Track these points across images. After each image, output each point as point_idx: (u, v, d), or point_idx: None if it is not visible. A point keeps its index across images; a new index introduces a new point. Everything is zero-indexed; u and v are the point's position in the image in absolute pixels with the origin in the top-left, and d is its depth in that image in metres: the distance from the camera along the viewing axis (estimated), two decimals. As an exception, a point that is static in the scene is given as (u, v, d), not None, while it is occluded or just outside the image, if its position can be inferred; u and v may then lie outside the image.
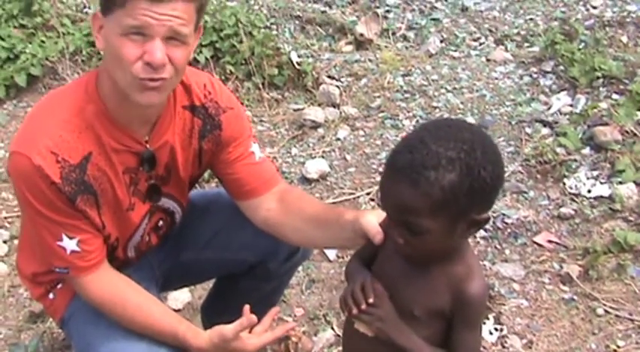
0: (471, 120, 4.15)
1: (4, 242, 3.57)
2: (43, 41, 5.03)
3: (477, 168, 1.61)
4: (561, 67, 4.49)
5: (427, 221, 1.63)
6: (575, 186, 3.62)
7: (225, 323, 2.16)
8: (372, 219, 2.02)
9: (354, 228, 2.06)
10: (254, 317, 2.13)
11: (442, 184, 1.59)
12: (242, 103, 4.35)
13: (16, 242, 3.54)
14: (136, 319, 2.17)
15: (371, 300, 1.79)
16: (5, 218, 3.72)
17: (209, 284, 2.93)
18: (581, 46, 4.64)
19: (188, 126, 2.20)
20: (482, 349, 2.66)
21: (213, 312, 2.79)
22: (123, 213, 2.19)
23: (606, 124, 3.88)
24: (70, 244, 2.07)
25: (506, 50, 4.92)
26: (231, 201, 2.41)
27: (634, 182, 3.59)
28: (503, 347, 3.01)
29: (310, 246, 2.60)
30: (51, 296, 2.34)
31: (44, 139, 1.97)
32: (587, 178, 3.65)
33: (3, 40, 5.04)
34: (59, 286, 2.32)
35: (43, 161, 1.96)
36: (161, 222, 2.34)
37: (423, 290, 1.80)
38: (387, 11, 5.35)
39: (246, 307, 2.13)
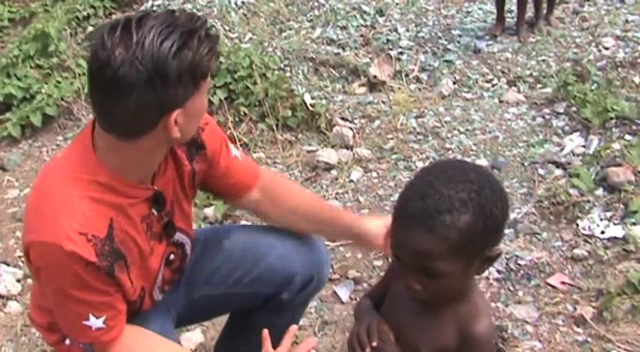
0: (483, 161, 4.15)
1: (18, 281, 3.57)
2: (58, 81, 5.10)
3: (489, 206, 1.63)
4: (574, 108, 4.49)
5: (445, 264, 1.64)
6: (589, 227, 3.61)
7: None
8: (378, 228, 2.31)
9: (352, 232, 2.30)
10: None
11: (458, 227, 1.60)
12: (255, 145, 4.39)
13: (29, 281, 3.56)
14: None
15: (374, 343, 1.80)
16: (19, 257, 3.73)
17: (221, 324, 2.92)
18: (593, 87, 4.66)
19: (177, 154, 2.21)
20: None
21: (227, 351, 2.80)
22: (145, 262, 2.18)
23: (619, 165, 3.87)
24: (96, 322, 2.05)
25: (519, 91, 4.94)
26: (243, 236, 2.45)
27: (647, 223, 3.58)
28: (517, 389, 2.99)
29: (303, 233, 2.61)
30: (67, 342, 2.31)
31: (68, 223, 1.92)
32: (601, 219, 3.64)
33: (19, 80, 5.11)
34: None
35: (75, 245, 1.91)
36: (172, 256, 2.33)
37: (430, 330, 1.80)
38: (400, 53, 5.39)
39: (265, 331, 2.15)
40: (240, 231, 2.63)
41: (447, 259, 1.63)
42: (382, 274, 3.39)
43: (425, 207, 1.62)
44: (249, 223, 3.61)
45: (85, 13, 6.18)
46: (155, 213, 2.16)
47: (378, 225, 2.43)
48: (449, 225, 1.60)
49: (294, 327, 2.26)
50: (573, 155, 4.14)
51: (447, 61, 5.33)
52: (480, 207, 1.62)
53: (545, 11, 5.64)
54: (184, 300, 2.51)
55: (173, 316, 2.48)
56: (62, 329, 2.18)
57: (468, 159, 4.20)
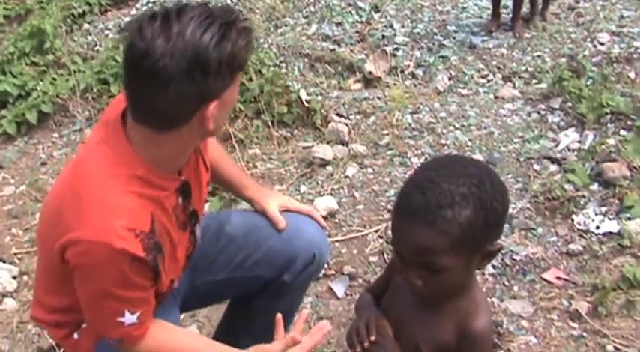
0: (479, 157, 4.16)
1: (14, 278, 3.58)
2: (54, 79, 5.10)
3: (490, 200, 1.63)
4: (569, 104, 4.50)
5: (446, 259, 1.64)
6: (584, 222, 3.62)
7: None
8: (274, 208, 2.46)
9: (253, 205, 2.48)
10: (298, 336, 2.19)
11: (460, 221, 1.60)
12: (251, 141, 4.39)
13: (25, 278, 3.56)
14: None
15: (372, 338, 1.80)
16: (15, 254, 3.73)
17: (217, 319, 2.93)
18: (588, 83, 4.66)
19: None
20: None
21: (226, 342, 2.80)
22: (175, 253, 2.19)
23: (614, 160, 3.88)
24: (130, 318, 2.05)
25: (514, 87, 4.94)
26: (244, 221, 2.51)
27: (642, 218, 3.59)
28: (512, 384, 3.00)
29: None
30: (75, 336, 2.30)
31: (115, 219, 1.91)
32: (596, 214, 3.65)
33: (15, 77, 5.12)
34: (84, 325, 2.28)
35: (125, 242, 1.91)
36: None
37: (429, 326, 1.80)
38: (396, 49, 5.38)
39: (279, 315, 2.21)
40: (240, 216, 2.65)
41: (449, 254, 1.63)
42: (378, 270, 3.41)
43: (426, 202, 1.62)
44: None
45: (80, 10, 6.17)
46: (181, 202, 2.17)
47: (273, 207, 2.54)
48: (450, 219, 1.60)
49: (305, 312, 2.32)
50: (568, 150, 4.14)
51: (442, 57, 5.33)
52: (481, 202, 1.62)
53: (540, 7, 5.64)
54: (187, 287, 2.52)
55: (178, 303, 2.49)
56: (91, 325, 2.18)
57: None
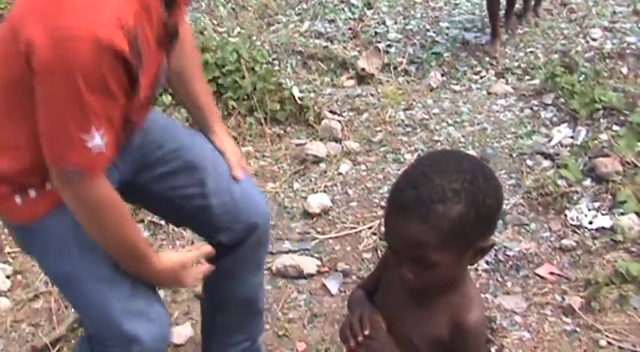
0: (472, 153, 4.16)
1: (7, 277, 3.57)
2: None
3: (482, 196, 1.63)
4: (562, 100, 4.50)
5: (438, 254, 1.64)
6: (577, 217, 3.63)
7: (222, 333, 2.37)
8: (232, 157, 2.41)
9: (212, 140, 2.41)
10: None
11: (451, 217, 1.60)
12: (244, 139, 4.39)
13: (19, 277, 3.56)
14: (124, 228, 2.05)
15: (366, 332, 1.81)
16: (9, 253, 3.72)
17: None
18: (581, 78, 4.67)
19: None
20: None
21: (208, 325, 2.81)
22: (147, 72, 1.95)
23: (607, 156, 3.89)
24: (97, 141, 1.83)
25: (507, 83, 4.95)
26: (207, 149, 2.43)
27: (635, 213, 3.59)
28: (506, 379, 3.01)
29: None
30: (17, 200, 2.06)
31: (102, 8, 1.72)
32: (589, 210, 3.66)
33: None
34: (32, 195, 2.06)
35: (110, 33, 1.71)
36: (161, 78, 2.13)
37: (422, 320, 1.81)
38: (389, 46, 5.39)
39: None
40: (203, 143, 2.48)
41: (440, 249, 1.63)
42: (371, 266, 3.41)
43: (418, 196, 1.61)
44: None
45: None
46: (165, 13, 1.95)
47: (231, 153, 2.45)
48: (442, 214, 1.60)
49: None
50: (561, 146, 4.15)
51: (435, 54, 5.34)
52: (473, 197, 1.62)
53: (533, 3, 5.64)
54: (129, 176, 2.30)
55: (118, 187, 2.16)
56: (48, 149, 1.90)
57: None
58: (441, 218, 1.60)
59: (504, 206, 3.66)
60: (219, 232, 2.44)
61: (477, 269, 3.40)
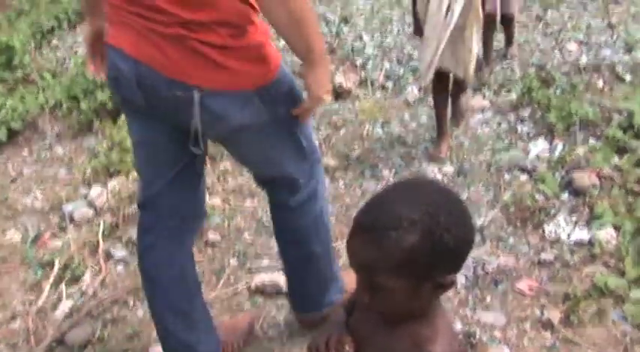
0: (449, 168, 4.17)
1: None
2: (23, 96, 5.06)
3: (439, 231, 1.60)
4: (538, 113, 4.53)
5: (386, 279, 1.63)
6: (555, 231, 3.63)
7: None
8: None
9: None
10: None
11: (402, 246, 1.59)
12: (222, 155, 4.37)
13: None
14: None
15: None
16: None
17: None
18: (557, 92, 4.70)
19: None
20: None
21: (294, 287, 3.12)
22: None
23: (584, 169, 3.91)
24: None
25: (484, 98, 4.97)
26: None
27: (613, 226, 3.60)
28: (486, 395, 3.00)
29: None
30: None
31: None
32: (567, 223, 3.67)
33: (-17, 94, 5.08)
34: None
35: None
36: None
37: (389, 347, 1.80)
38: (365, 61, 5.40)
39: None
40: None
41: (388, 275, 1.62)
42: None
43: (375, 220, 1.61)
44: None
45: (49, 26, 6.15)
46: None
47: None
48: (393, 241, 1.59)
49: None
50: (538, 160, 4.17)
51: (412, 69, 5.35)
52: (430, 231, 1.60)
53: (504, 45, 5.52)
54: None
55: None
56: None
57: (435, 167, 4.22)
58: (392, 245, 1.59)
59: (482, 220, 3.69)
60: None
61: (455, 286, 3.40)
